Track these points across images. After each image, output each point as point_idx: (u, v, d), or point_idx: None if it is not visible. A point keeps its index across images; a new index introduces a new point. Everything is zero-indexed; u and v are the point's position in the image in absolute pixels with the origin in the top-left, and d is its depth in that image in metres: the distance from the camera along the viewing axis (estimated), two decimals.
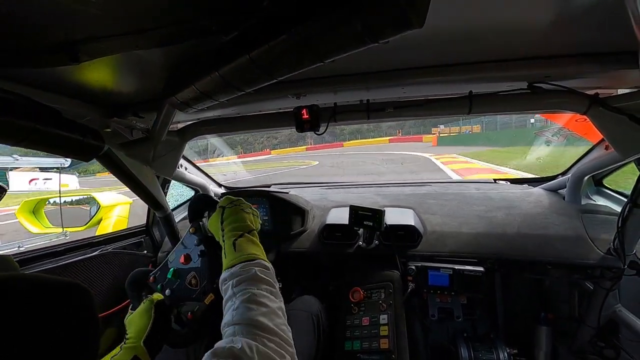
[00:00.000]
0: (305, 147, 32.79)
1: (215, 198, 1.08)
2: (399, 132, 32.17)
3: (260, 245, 0.88)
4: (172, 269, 1.05)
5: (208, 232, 1.02)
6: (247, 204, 0.97)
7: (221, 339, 0.62)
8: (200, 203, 1.12)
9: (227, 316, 0.67)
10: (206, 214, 1.08)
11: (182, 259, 1.05)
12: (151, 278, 1.09)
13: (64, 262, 1.33)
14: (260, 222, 0.98)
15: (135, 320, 0.94)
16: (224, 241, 0.86)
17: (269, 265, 0.81)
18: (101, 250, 1.51)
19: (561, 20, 0.67)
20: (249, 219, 0.92)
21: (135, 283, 1.13)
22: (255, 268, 0.76)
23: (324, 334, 1.28)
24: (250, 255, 0.80)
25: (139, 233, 1.80)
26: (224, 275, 0.78)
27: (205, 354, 0.55)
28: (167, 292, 1.02)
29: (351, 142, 32.46)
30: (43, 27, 0.56)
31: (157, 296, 1.02)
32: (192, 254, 1.06)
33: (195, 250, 1.06)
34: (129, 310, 1.04)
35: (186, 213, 2.04)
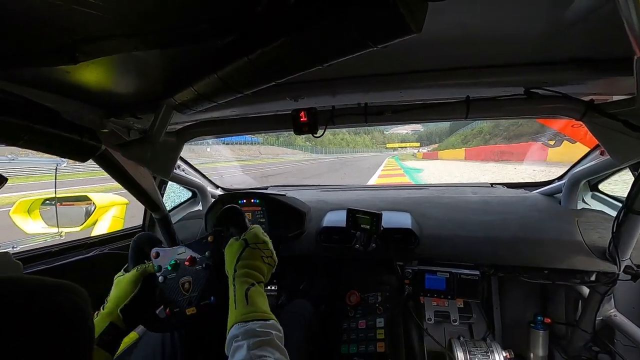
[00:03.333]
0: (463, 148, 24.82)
1: (246, 221, 1.02)
2: None
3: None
4: (173, 261, 1.01)
5: (223, 250, 0.98)
6: (270, 251, 0.94)
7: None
8: (230, 215, 1.05)
9: None
10: (231, 229, 1.03)
11: (187, 260, 1.01)
12: (154, 254, 1.05)
13: (58, 263, 1.31)
14: (273, 272, 0.95)
15: (121, 286, 0.94)
16: (234, 283, 0.83)
17: (280, 327, 0.78)
18: (97, 251, 1.50)
19: (557, 28, 0.68)
20: (264, 270, 0.89)
21: (140, 248, 1.08)
22: (273, 332, 0.73)
23: (313, 337, 1.27)
24: (265, 314, 0.77)
25: (136, 234, 1.78)
26: (236, 330, 0.73)
27: None
28: (160, 278, 1.00)
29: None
30: (41, 27, 0.56)
31: (150, 268, 1.00)
32: (198, 261, 1.02)
33: (203, 260, 1.01)
34: (122, 271, 1.02)
35: (182, 215, 2.04)
